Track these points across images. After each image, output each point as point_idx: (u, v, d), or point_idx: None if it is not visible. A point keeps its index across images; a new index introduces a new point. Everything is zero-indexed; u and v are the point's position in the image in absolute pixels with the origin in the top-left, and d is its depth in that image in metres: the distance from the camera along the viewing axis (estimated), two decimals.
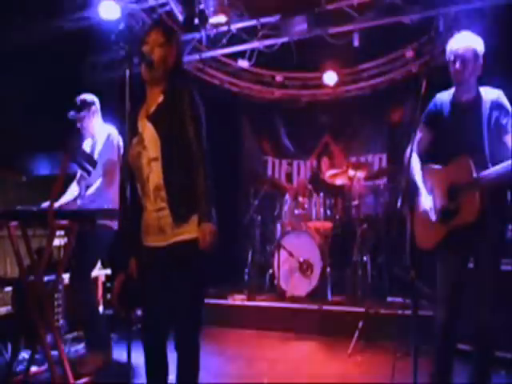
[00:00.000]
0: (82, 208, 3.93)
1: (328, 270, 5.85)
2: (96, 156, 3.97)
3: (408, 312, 4.59)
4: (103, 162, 3.98)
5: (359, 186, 6.27)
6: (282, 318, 5.44)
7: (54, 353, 3.42)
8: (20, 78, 5.20)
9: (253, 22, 5.87)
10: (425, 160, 3.19)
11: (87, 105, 4.17)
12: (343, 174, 6.03)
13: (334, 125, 7.91)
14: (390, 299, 5.48)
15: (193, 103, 2.59)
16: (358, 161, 7.43)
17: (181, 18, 5.77)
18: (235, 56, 6.78)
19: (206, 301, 5.60)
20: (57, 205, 3.78)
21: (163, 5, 5.82)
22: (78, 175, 4.23)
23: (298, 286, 5.83)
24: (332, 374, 4.03)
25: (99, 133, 4.18)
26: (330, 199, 6.37)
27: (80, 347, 4.38)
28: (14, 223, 3.41)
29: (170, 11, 5.83)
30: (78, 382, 3.51)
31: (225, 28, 5.88)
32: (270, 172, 8.36)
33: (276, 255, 5.93)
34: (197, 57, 6.50)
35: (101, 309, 4.77)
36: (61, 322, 4.35)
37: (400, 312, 4.70)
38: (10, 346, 3.97)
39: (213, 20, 5.63)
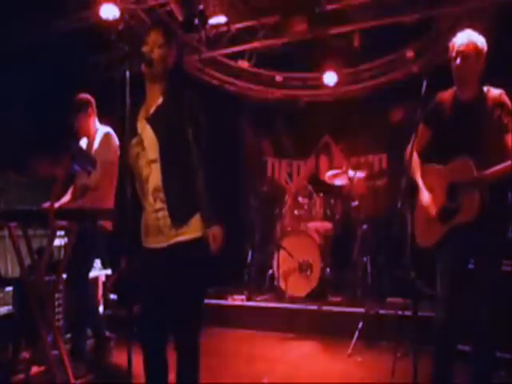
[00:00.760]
0: (82, 208, 3.93)
1: (328, 270, 5.85)
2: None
3: (408, 312, 4.60)
4: (101, 163, 3.98)
5: (359, 187, 6.28)
6: (281, 319, 5.45)
7: (55, 353, 3.42)
8: (20, 78, 5.20)
9: (253, 23, 5.87)
10: (425, 159, 3.19)
11: (84, 105, 4.18)
12: (343, 174, 6.03)
13: (333, 125, 7.91)
14: (389, 300, 5.48)
15: (192, 105, 2.59)
16: (358, 161, 7.42)
17: (181, 18, 5.77)
18: (235, 56, 6.78)
19: (206, 301, 5.65)
20: (57, 205, 3.78)
21: (163, 5, 5.82)
22: (77, 175, 4.23)
23: (298, 286, 5.83)
24: (332, 374, 4.03)
25: (95, 133, 4.18)
26: (329, 199, 6.37)
27: None
28: (14, 223, 3.42)
29: (170, 11, 5.83)
30: (78, 382, 3.52)
31: (224, 28, 5.88)
32: (269, 172, 8.37)
33: (276, 255, 5.93)
34: (196, 57, 6.51)
35: (101, 309, 4.78)
36: (61, 321, 4.35)
37: (400, 312, 4.70)
38: (10, 346, 3.97)
39: (212, 20, 5.63)
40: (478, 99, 3.00)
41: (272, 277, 6.19)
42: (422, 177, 3.13)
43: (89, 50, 6.25)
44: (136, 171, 2.64)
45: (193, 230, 2.55)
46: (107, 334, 4.19)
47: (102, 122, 4.27)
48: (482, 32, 3.04)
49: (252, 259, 6.51)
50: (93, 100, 4.24)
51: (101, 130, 4.18)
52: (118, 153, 4.09)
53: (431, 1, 5.29)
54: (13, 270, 4.32)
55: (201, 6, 5.62)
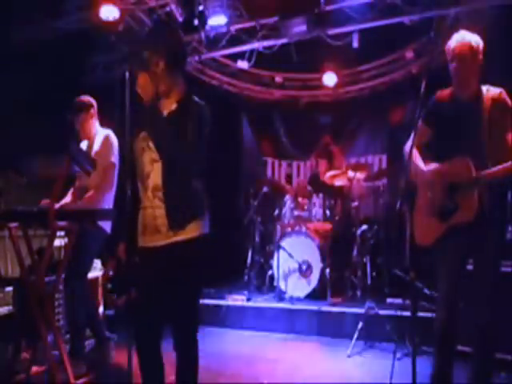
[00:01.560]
0: (82, 209, 3.93)
1: (327, 270, 5.86)
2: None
3: (407, 313, 4.61)
4: (101, 164, 3.98)
5: (359, 187, 6.28)
6: (281, 319, 5.45)
7: (55, 353, 3.43)
8: (20, 79, 5.20)
9: (252, 23, 5.87)
10: (424, 157, 3.19)
11: (85, 107, 4.18)
12: (343, 174, 6.03)
13: (333, 126, 7.92)
14: (389, 300, 5.48)
15: (202, 119, 2.58)
16: (357, 162, 7.43)
17: (180, 19, 5.77)
18: (235, 57, 6.79)
19: (206, 301, 5.70)
20: (57, 206, 3.79)
21: (163, 6, 5.82)
22: (78, 177, 4.23)
23: (298, 286, 5.84)
24: (332, 374, 4.03)
25: (96, 134, 4.19)
26: (329, 200, 6.37)
27: None
28: (14, 224, 3.42)
29: (170, 12, 5.83)
30: (79, 382, 3.52)
31: (224, 29, 5.89)
32: (269, 173, 8.37)
33: (276, 256, 5.93)
34: (196, 58, 6.51)
35: (101, 309, 4.78)
36: (61, 322, 4.35)
37: (399, 313, 4.71)
38: (11, 346, 3.97)
39: (212, 21, 5.64)
40: (477, 98, 3.00)
41: (272, 277, 6.19)
42: (422, 176, 3.13)
43: (89, 50, 6.26)
44: (139, 165, 2.66)
45: (190, 230, 2.57)
46: (107, 334, 4.19)
47: (101, 122, 4.28)
48: (482, 32, 3.05)
49: (252, 259, 6.51)
50: (94, 102, 4.24)
51: (101, 132, 4.19)
52: (118, 155, 4.10)
53: (431, 1, 5.29)
54: (13, 270, 4.32)
55: (200, 7, 5.63)
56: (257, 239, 6.62)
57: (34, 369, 3.72)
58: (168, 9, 5.82)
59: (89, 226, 3.80)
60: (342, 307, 5.38)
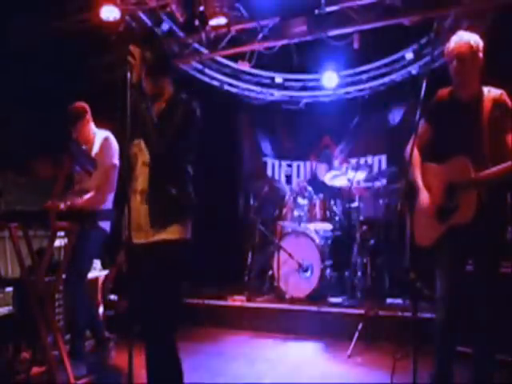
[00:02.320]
0: (82, 209, 3.93)
1: (327, 271, 5.85)
2: None
3: (407, 313, 4.61)
4: (101, 166, 3.98)
5: (359, 188, 6.28)
6: (281, 320, 5.45)
7: (55, 353, 3.43)
8: (20, 79, 5.20)
9: (252, 24, 5.88)
10: (424, 157, 3.19)
11: (81, 114, 4.17)
12: (343, 175, 6.04)
13: (333, 126, 7.91)
14: (389, 301, 5.49)
15: (187, 117, 2.65)
16: (357, 162, 7.41)
17: (181, 19, 5.77)
18: (235, 58, 6.79)
19: (206, 302, 5.70)
20: (62, 206, 3.79)
21: (163, 6, 5.82)
22: (77, 177, 4.23)
23: (298, 287, 5.83)
24: (332, 375, 4.03)
25: (94, 137, 4.18)
26: (329, 200, 6.37)
27: None
28: (15, 224, 3.42)
29: (171, 13, 5.83)
30: (78, 382, 3.52)
31: (225, 30, 5.89)
32: (269, 173, 8.37)
33: (276, 256, 5.93)
34: (197, 58, 6.51)
35: (101, 310, 4.78)
36: (61, 322, 4.35)
37: (399, 313, 4.71)
38: (10, 346, 3.97)
39: (213, 22, 5.64)
40: (478, 99, 3.01)
41: (272, 278, 6.18)
42: (422, 175, 3.13)
43: (89, 50, 6.26)
44: (132, 168, 2.73)
45: (170, 232, 2.63)
46: (107, 334, 4.20)
47: (102, 124, 4.27)
48: (482, 33, 3.05)
49: (252, 260, 6.50)
50: (87, 107, 4.24)
51: (99, 133, 4.18)
52: (118, 156, 4.10)
53: (431, 1, 5.29)
54: (13, 271, 4.33)
55: (201, 8, 5.63)
56: (257, 240, 6.62)
57: (34, 369, 3.72)
58: (168, 9, 5.82)
59: (89, 226, 3.81)
60: (342, 308, 5.38)
